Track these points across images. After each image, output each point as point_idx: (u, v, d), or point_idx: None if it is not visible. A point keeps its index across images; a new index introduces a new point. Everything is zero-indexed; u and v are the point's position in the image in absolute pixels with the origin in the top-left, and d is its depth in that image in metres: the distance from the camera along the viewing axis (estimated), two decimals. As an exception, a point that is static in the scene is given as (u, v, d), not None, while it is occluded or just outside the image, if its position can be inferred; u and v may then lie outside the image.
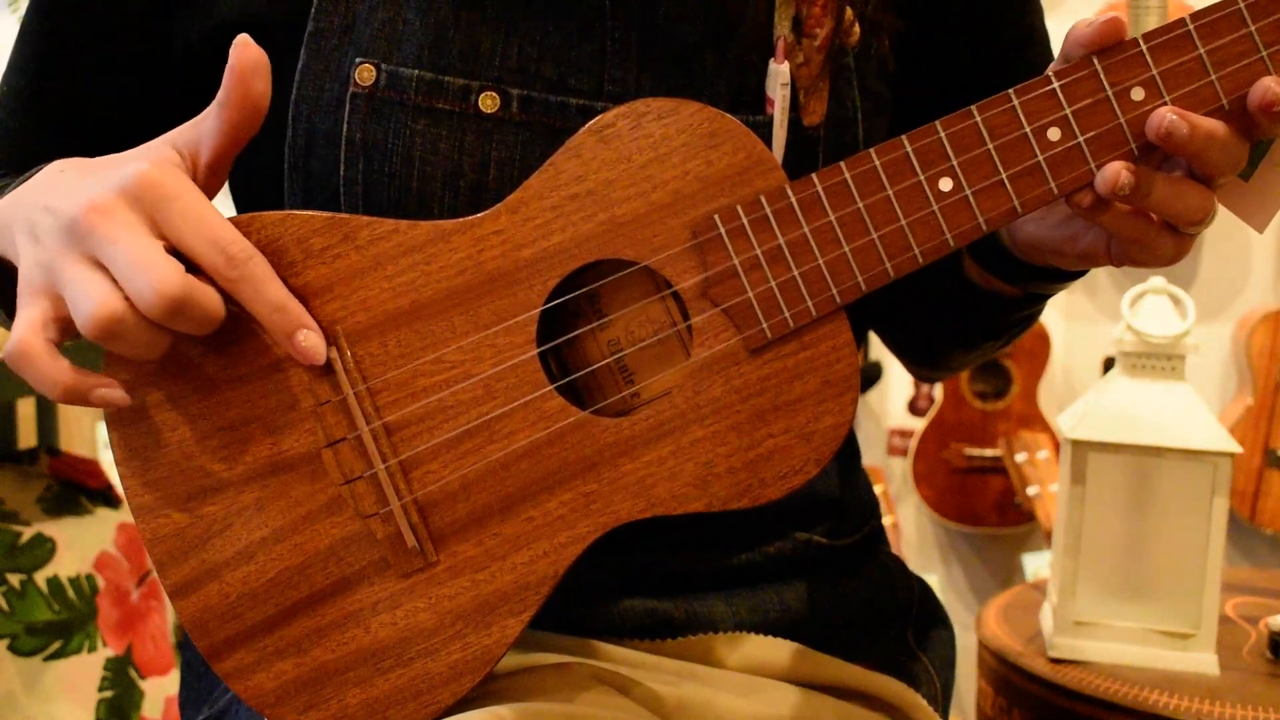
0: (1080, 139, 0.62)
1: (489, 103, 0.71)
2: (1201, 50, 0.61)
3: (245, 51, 0.61)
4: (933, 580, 2.81)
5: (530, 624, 0.76)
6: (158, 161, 0.61)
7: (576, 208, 0.64)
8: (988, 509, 2.77)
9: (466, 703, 0.67)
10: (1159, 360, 1.23)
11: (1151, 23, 2.39)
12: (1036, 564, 2.68)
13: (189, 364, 0.65)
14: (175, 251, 0.60)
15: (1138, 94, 0.62)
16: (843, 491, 0.86)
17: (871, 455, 2.94)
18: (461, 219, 0.65)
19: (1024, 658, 1.23)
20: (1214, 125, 0.61)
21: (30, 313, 0.61)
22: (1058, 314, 2.84)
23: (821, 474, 0.83)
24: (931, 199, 0.63)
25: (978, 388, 2.76)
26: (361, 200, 0.72)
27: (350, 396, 0.64)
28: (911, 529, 2.93)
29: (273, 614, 0.66)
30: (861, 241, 0.63)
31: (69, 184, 0.63)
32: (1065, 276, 0.77)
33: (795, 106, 0.72)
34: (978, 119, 0.63)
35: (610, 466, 0.65)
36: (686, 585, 0.79)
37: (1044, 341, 2.75)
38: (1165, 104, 0.62)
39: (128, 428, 0.66)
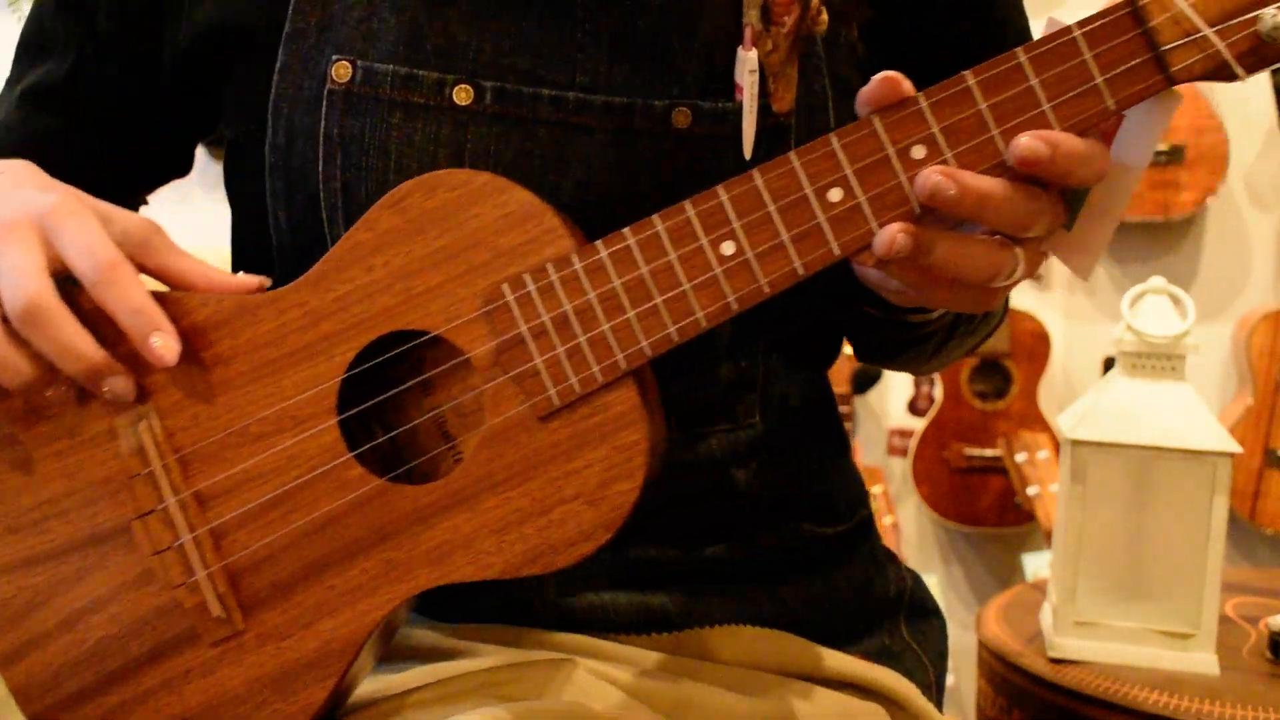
0: (861, 199, 0.61)
1: (463, 95, 0.72)
2: (982, 105, 0.60)
3: (248, 283, 0.67)
4: (933, 580, 2.81)
5: (525, 622, 0.77)
6: (70, 199, 0.65)
7: (373, 280, 0.66)
8: (988, 509, 2.77)
9: (452, 702, 0.68)
10: (1159, 360, 1.23)
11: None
12: (1036, 564, 2.68)
13: (9, 439, 0.68)
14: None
15: (918, 151, 0.61)
16: (829, 479, 0.86)
17: (871, 455, 2.94)
18: (267, 293, 0.67)
19: (1024, 658, 1.23)
20: (988, 184, 0.59)
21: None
22: (1058, 314, 2.84)
23: (809, 462, 0.84)
24: (714, 263, 0.63)
25: (978, 388, 2.76)
26: (341, 195, 0.73)
27: (158, 468, 0.67)
28: (911, 529, 2.93)
29: (92, 682, 0.68)
30: (645, 307, 0.64)
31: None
32: (918, 310, 0.76)
33: (765, 93, 0.73)
34: (758, 181, 0.62)
35: (409, 534, 0.65)
36: (680, 579, 0.79)
37: (1044, 341, 2.75)
38: (944, 161, 0.60)
39: None
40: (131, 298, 0.64)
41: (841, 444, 0.90)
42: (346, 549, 0.66)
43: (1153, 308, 1.25)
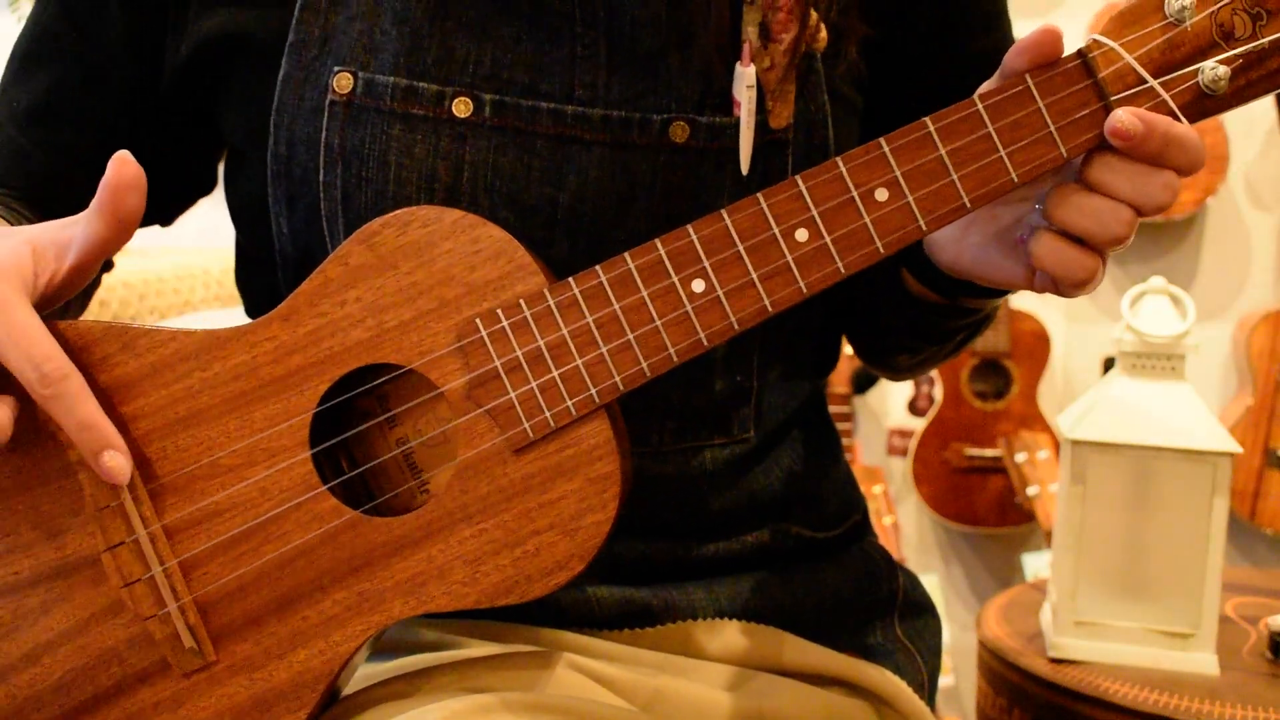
0: (827, 239, 0.64)
1: (462, 107, 0.72)
2: (941, 150, 0.63)
3: (122, 168, 0.64)
4: (933, 580, 2.81)
5: (509, 616, 0.77)
6: None
7: (345, 315, 0.66)
8: (988, 509, 2.77)
9: (436, 695, 0.68)
10: (1159, 360, 1.23)
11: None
12: (1036, 564, 2.68)
13: None
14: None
15: (881, 194, 0.64)
16: (822, 484, 0.86)
17: (871, 455, 2.94)
18: (237, 326, 0.67)
19: (1024, 658, 1.23)
20: (1176, 128, 0.62)
21: None
22: (1058, 314, 2.84)
23: (800, 466, 0.84)
24: (685, 300, 0.65)
25: (978, 388, 2.76)
26: (341, 205, 0.73)
27: (128, 501, 0.66)
28: (911, 529, 2.93)
29: (58, 715, 0.67)
30: (618, 343, 0.65)
31: None
32: (991, 292, 0.78)
33: (762, 109, 0.74)
34: (727, 221, 0.64)
35: (383, 565, 0.66)
36: (664, 574, 0.79)
37: (1044, 341, 2.75)
38: (907, 203, 0.63)
39: None
40: (81, 413, 0.64)
41: (834, 449, 0.90)
42: (319, 580, 0.66)
43: (1153, 308, 1.25)
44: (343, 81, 0.72)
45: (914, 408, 2.86)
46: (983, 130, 0.63)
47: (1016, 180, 0.64)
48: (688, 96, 0.73)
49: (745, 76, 0.72)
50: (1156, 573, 1.22)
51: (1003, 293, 0.78)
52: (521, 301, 0.65)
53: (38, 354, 0.63)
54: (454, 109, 0.72)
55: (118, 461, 0.64)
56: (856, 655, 0.83)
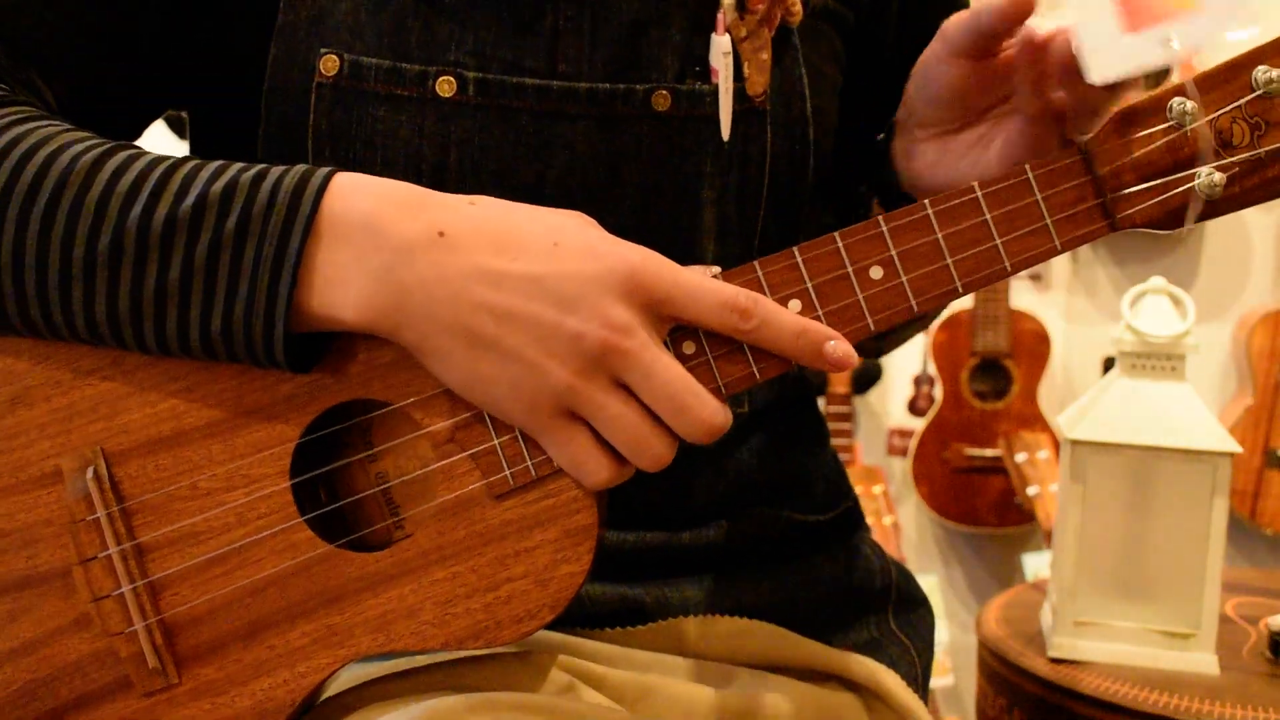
0: (819, 312, 0.64)
1: (446, 87, 0.72)
2: (938, 234, 0.64)
3: None
4: (933, 580, 2.81)
5: None
6: (635, 251, 0.61)
7: (336, 349, 0.65)
8: (988, 509, 2.77)
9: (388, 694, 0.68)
10: (1159, 360, 1.23)
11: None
12: (1036, 564, 2.68)
13: None
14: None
15: (876, 272, 0.64)
16: (806, 466, 0.87)
17: (871, 455, 2.94)
18: None
19: (1024, 658, 1.23)
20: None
21: (581, 444, 0.62)
22: (1058, 314, 2.84)
23: (786, 452, 0.84)
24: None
25: (978, 388, 2.76)
26: None
27: (103, 516, 0.66)
28: (911, 529, 2.93)
29: None
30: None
31: (505, 281, 0.61)
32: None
33: (739, 77, 0.75)
34: None
35: (353, 600, 0.66)
36: (657, 569, 0.79)
37: (1044, 341, 2.75)
38: (900, 284, 0.64)
39: None
40: (788, 324, 0.63)
41: (821, 436, 0.91)
42: (288, 610, 0.66)
43: (1153, 308, 1.25)
44: (329, 63, 0.72)
45: (914, 408, 2.86)
46: (980, 218, 0.64)
47: (1009, 269, 0.64)
48: (668, 66, 0.75)
49: (720, 44, 0.74)
50: (1156, 573, 1.22)
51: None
52: None
53: (725, 296, 0.62)
54: (438, 89, 0.72)
55: (843, 348, 0.63)
56: (850, 649, 0.83)
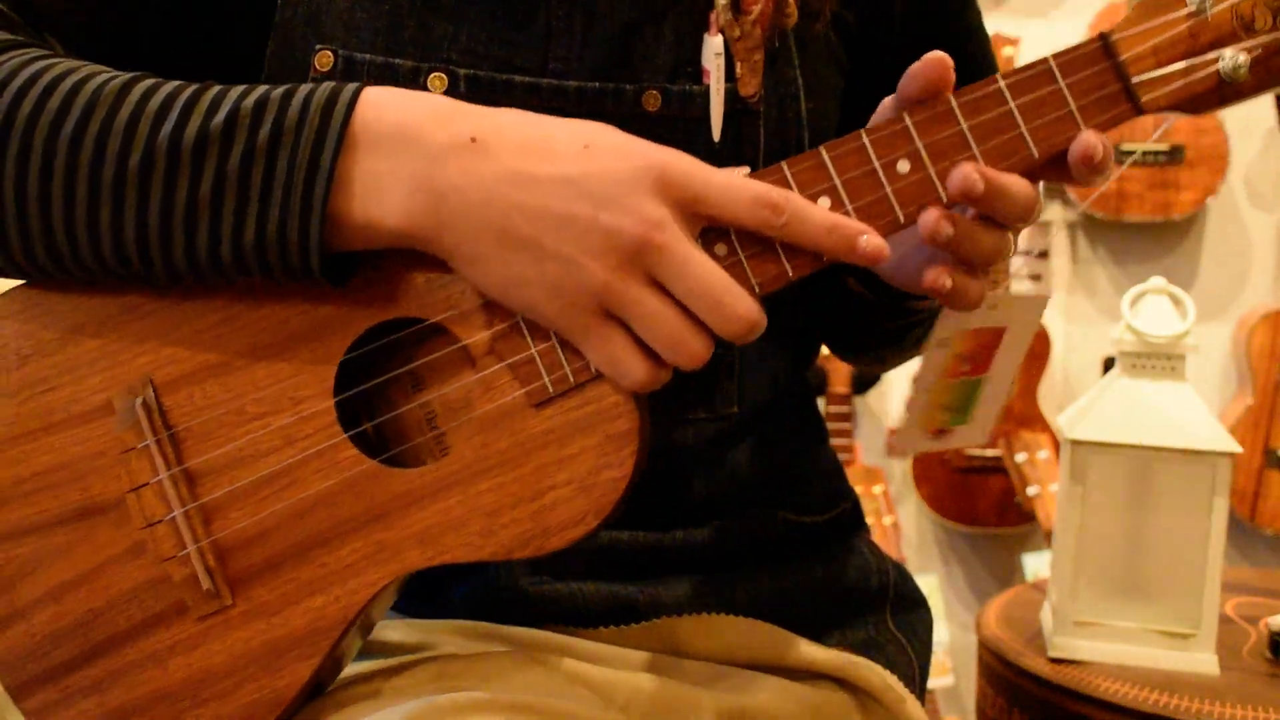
0: (849, 208, 0.65)
1: (437, 83, 0.73)
2: (963, 125, 0.65)
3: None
4: (933, 580, 2.81)
5: (492, 615, 0.77)
6: (666, 150, 0.62)
7: (374, 269, 0.66)
8: (988, 509, 2.77)
9: (378, 694, 0.69)
10: (1159, 360, 1.22)
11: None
12: (1036, 564, 2.68)
13: (9, 413, 0.68)
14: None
15: (903, 166, 0.65)
16: (804, 467, 0.87)
17: (871, 455, 2.94)
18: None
19: (1024, 658, 1.23)
20: (1009, 181, 0.64)
21: (619, 344, 0.62)
22: (1058, 314, 2.84)
23: (784, 451, 0.84)
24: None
25: (978, 388, 2.76)
26: None
27: (152, 444, 0.67)
28: (911, 529, 2.93)
29: (76, 654, 0.68)
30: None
31: (540, 182, 0.61)
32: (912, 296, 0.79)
33: (731, 78, 0.75)
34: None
35: (401, 515, 0.66)
36: (651, 568, 0.79)
37: (1044, 341, 2.75)
38: (927, 175, 0.65)
39: None
40: (819, 219, 0.62)
41: (819, 436, 0.90)
42: (337, 528, 0.66)
43: (1153, 308, 1.25)
44: (324, 59, 0.73)
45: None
46: (1004, 107, 0.65)
47: (1036, 156, 0.65)
48: (660, 67, 0.75)
49: (713, 45, 0.74)
50: (1156, 573, 1.22)
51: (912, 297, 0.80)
52: None
53: (756, 191, 0.62)
54: (429, 85, 0.72)
55: (875, 241, 0.62)
56: (847, 649, 0.83)
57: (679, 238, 0.60)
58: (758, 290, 0.64)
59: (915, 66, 0.64)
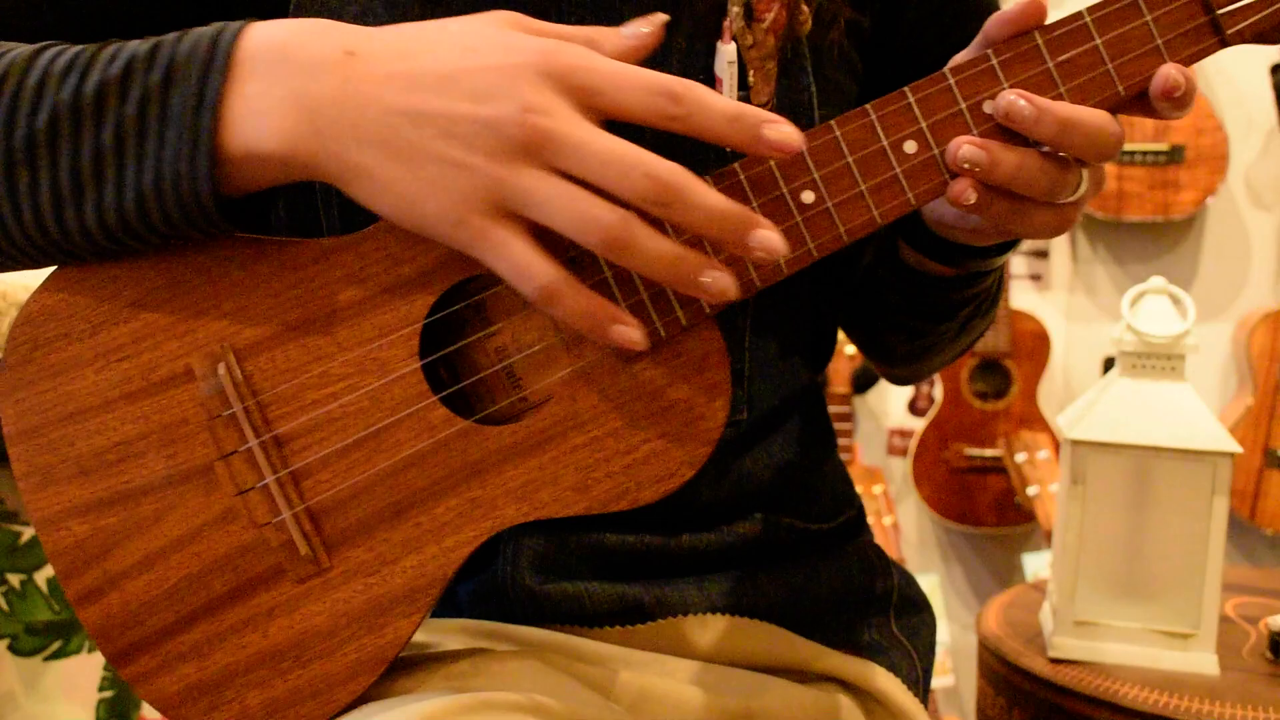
0: (935, 151, 0.65)
1: None
2: (1050, 63, 0.64)
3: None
4: (933, 580, 2.81)
5: (500, 615, 0.77)
6: (554, 41, 0.59)
7: None
8: (988, 509, 2.77)
9: (369, 698, 0.69)
10: (1159, 360, 1.23)
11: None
12: (1036, 564, 2.68)
13: (86, 382, 0.68)
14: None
15: (989, 107, 0.65)
16: (811, 475, 0.86)
17: (871, 455, 2.94)
18: (342, 236, 0.67)
19: (1024, 658, 1.23)
20: (1067, 110, 0.63)
21: (519, 246, 0.59)
22: (1058, 314, 2.84)
23: (792, 457, 0.84)
24: (794, 211, 0.65)
25: (978, 388, 2.76)
26: (334, 188, 0.72)
27: (239, 411, 0.67)
28: (911, 529, 2.93)
29: (173, 620, 0.68)
30: (726, 254, 0.65)
31: (417, 84, 0.59)
32: (989, 252, 0.78)
33: (744, 86, 0.74)
34: (837, 133, 0.65)
35: (495, 473, 0.67)
36: (657, 569, 0.79)
37: (1044, 341, 2.75)
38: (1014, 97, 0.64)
39: (28, 443, 0.68)
40: (720, 107, 0.59)
41: (829, 444, 0.90)
42: (431, 488, 0.67)
43: (1153, 308, 1.25)
44: None
45: (914, 408, 2.86)
46: (1090, 43, 0.64)
47: (1123, 94, 0.65)
48: (672, 73, 0.74)
49: (725, 53, 0.73)
50: (1156, 573, 1.22)
51: (989, 254, 0.78)
52: None
53: (652, 79, 0.58)
54: None
55: (783, 129, 0.59)
56: (851, 652, 0.83)
57: (571, 119, 0.57)
58: (846, 238, 0.65)
59: (1008, 12, 0.63)
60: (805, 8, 0.76)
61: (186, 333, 0.67)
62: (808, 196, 0.65)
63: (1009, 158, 0.64)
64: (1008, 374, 2.74)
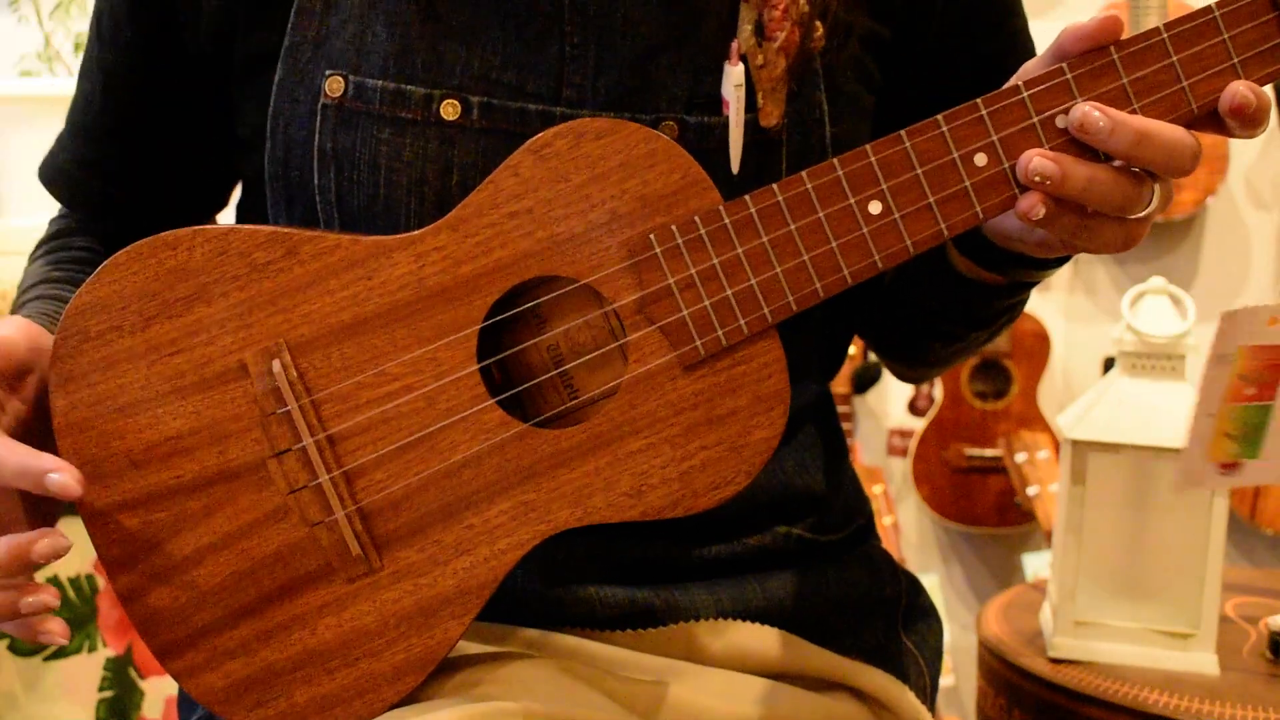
0: (1005, 165, 0.64)
1: (450, 110, 0.72)
2: (1124, 80, 0.64)
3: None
4: (933, 580, 2.81)
5: (510, 618, 0.77)
6: None
7: (515, 225, 0.66)
8: (988, 509, 2.77)
9: (413, 698, 0.69)
10: (1159, 360, 1.23)
11: (1151, 22, 2.39)
12: (1036, 564, 2.68)
13: (138, 376, 0.67)
14: None
15: (1061, 121, 0.64)
16: (827, 487, 0.86)
17: (871, 455, 2.94)
18: (403, 235, 0.67)
19: (1024, 658, 1.23)
20: (1143, 124, 0.63)
21: None
22: (1058, 314, 2.84)
23: (805, 469, 0.83)
24: (861, 222, 0.65)
25: (978, 388, 2.76)
26: (336, 207, 0.73)
27: (295, 409, 0.66)
28: (911, 529, 2.93)
29: (221, 616, 0.68)
30: (793, 263, 0.65)
31: None
32: (1047, 264, 0.77)
33: (753, 108, 0.73)
34: (906, 144, 0.65)
35: (549, 477, 0.66)
36: (667, 575, 0.79)
37: (1044, 341, 2.75)
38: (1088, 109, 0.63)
39: (78, 436, 0.68)
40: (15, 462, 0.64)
41: (840, 453, 0.89)
42: (484, 490, 0.67)
43: (1153, 308, 1.25)
44: (334, 84, 0.72)
45: (914, 408, 2.86)
46: (1166, 60, 0.63)
47: (1196, 111, 0.64)
48: (677, 96, 0.73)
49: (733, 75, 0.72)
50: (1156, 573, 1.22)
51: (1053, 264, 0.78)
52: (697, 219, 0.65)
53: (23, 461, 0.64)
54: (442, 112, 0.72)
55: (65, 478, 0.64)
56: (859, 658, 0.83)
57: None
58: (911, 250, 0.64)
59: (1084, 26, 0.63)
60: (819, 25, 0.74)
61: (241, 328, 0.67)
62: (875, 207, 0.64)
63: (1080, 171, 0.63)
64: (1008, 374, 2.74)
